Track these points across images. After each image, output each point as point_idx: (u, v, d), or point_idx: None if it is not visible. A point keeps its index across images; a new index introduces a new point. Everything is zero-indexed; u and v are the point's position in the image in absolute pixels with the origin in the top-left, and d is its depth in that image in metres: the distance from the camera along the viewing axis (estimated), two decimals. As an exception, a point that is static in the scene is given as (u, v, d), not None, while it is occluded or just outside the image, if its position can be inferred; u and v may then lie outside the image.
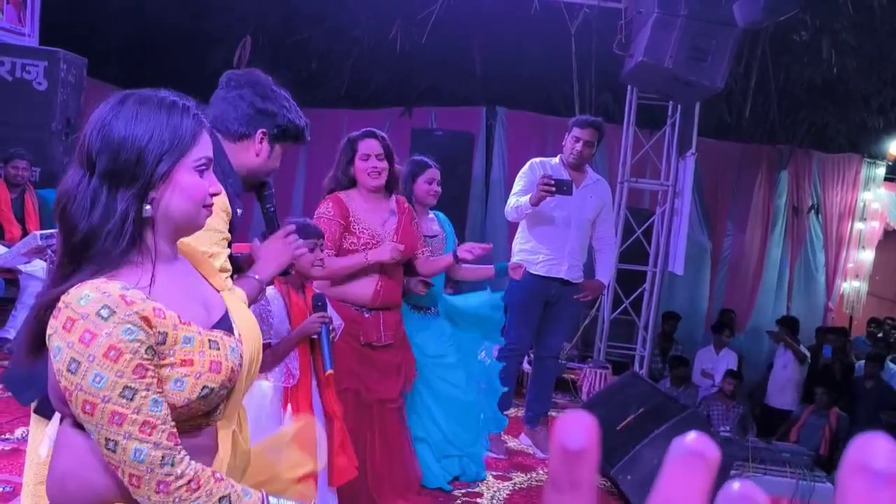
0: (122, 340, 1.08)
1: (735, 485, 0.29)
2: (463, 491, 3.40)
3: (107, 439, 1.08)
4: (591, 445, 0.31)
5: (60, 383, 1.10)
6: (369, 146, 2.86)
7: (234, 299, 1.34)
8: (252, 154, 1.87)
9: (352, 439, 2.57)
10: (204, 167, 1.23)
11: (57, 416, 1.30)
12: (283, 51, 8.34)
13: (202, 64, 8.07)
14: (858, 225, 8.31)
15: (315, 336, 2.41)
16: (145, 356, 1.10)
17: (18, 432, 3.37)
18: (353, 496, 2.69)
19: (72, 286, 1.11)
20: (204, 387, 1.16)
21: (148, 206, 1.18)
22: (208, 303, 1.27)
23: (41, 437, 1.63)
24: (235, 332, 1.26)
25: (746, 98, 8.06)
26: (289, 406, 2.38)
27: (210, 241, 1.63)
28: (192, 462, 1.13)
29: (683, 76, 4.88)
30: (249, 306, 1.52)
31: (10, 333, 4.50)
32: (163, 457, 1.09)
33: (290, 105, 1.93)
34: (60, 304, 1.10)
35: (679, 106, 6.03)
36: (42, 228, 4.75)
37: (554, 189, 3.53)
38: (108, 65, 7.55)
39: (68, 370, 1.07)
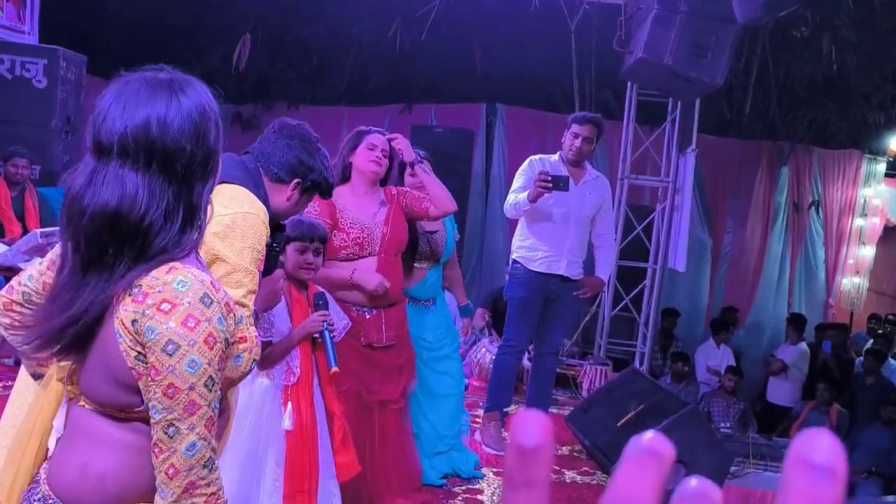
0: (217, 329, 1.11)
1: (692, 482, 0.30)
2: (463, 488, 3.41)
3: (170, 423, 1.09)
4: (546, 444, 0.31)
5: (136, 361, 1.09)
6: (376, 138, 2.89)
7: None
8: (283, 198, 1.99)
9: (353, 440, 2.57)
10: None
11: (62, 409, 1.27)
12: (283, 48, 8.34)
13: (202, 61, 8.06)
14: (859, 221, 8.31)
15: (317, 335, 2.41)
16: (224, 347, 1.14)
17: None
18: (354, 495, 2.69)
19: (146, 272, 1.09)
20: (253, 360, 1.23)
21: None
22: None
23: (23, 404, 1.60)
24: None
25: (747, 94, 8.06)
26: (289, 404, 2.38)
27: (251, 259, 1.72)
28: (219, 475, 1.15)
29: (683, 73, 4.88)
30: None
31: (11, 331, 4.50)
32: (209, 459, 1.12)
33: (327, 164, 2.09)
34: (146, 289, 1.08)
35: (679, 102, 6.02)
36: (42, 226, 4.75)
37: (551, 185, 3.52)
38: (107, 62, 7.54)
39: (164, 351, 1.07)
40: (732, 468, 3.86)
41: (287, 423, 2.35)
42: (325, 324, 2.37)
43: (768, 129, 8.30)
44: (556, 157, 4.00)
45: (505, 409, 4.12)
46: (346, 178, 2.90)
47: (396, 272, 2.94)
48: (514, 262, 4.01)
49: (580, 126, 3.89)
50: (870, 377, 6.51)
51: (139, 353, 1.09)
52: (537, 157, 4.02)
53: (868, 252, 8.39)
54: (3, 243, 4.59)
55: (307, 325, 2.39)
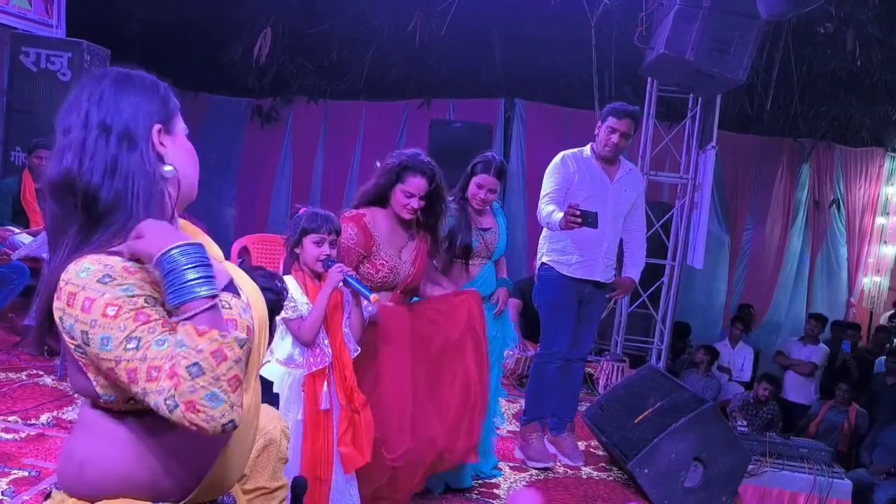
0: (118, 297, 1.08)
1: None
2: (480, 482, 3.43)
3: (146, 391, 1.06)
4: None
5: (77, 352, 1.12)
6: (416, 185, 2.75)
7: (236, 270, 1.36)
8: None
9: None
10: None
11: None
12: (304, 41, 8.38)
13: (223, 55, 8.13)
14: (880, 219, 8.22)
15: (341, 285, 2.46)
16: (144, 304, 1.09)
17: (44, 418, 3.43)
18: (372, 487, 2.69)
19: (70, 262, 1.13)
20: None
21: (169, 167, 1.23)
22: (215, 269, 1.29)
23: None
24: (243, 297, 1.26)
25: (768, 90, 7.99)
26: (325, 384, 2.45)
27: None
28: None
29: (705, 68, 4.84)
30: None
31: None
32: (192, 364, 1.04)
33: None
34: (61, 283, 1.11)
35: (700, 98, 5.98)
36: (66, 218, 4.81)
37: (580, 221, 3.23)
38: (130, 56, 7.62)
39: (84, 343, 1.08)
40: (749, 467, 3.84)
41: (324, 403, 2.44)
42: (342, 273, 2.43)
43: (790, 126, 8.22)
44: (587, 150, 3.74)
45: (545, 420, 3.88)
46: (382, 199, 2.80)
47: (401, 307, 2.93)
48: (545, 265, 3.72)
49: (618, 120, 3.61)
50: (891, 377, 6.45)
51: (76, 345, 1.11)
52: (570, 153, 3.73)
53: (889, 251, 8.30)
54: (28, 234, 4.66)
55: (328, 281, 2.44)
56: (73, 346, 1.11)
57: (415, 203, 2.75)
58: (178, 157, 1.26)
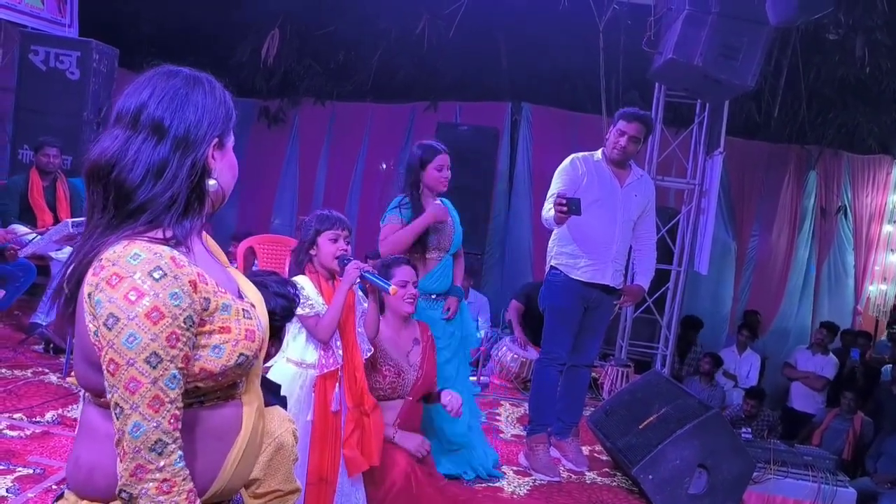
0: (166, 304, 1.08)
1: None
2: (483, 486, 3.42)
3: (116, 403, 1.07)
4: None
5: (95, 337, 1.09)
6: (409, 273, 2.86)
7: (240, 276, 1.35)
8: None
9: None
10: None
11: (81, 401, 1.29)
12: (311, 43, 8.39)
13: (231, 56, 8.14)
14: (888, 227, 8.19)
15: (358, 281, 2.48)
16: (182, 325, 1.09)
17: (49, 415, 3.44)
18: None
19: (111, 243, 1.11)
20: (241, 354, 1.17)
21: (213, 181, 1.22)
22: (226, 274, 1.29)
23: None
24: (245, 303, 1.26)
25: (776, 97, 7.96)
26: (336, 386, 2.45)
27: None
28: (179, 463, 1.10)
29: (713, 74, 4.83)
30: None
31: (41, 319, 4.59)
32: (156, 441, 1.07)
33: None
34: (104, 262, 1.09)
35: (707, 104, 5.97)
36: (73, 216, 4.83)
37: (566, 210, 3.27)
38: (138, 55, 7.65)
39: (105, 325, 1.06)
40: (754, 474, 3.82)
41: (334, 404, 2.44)
42: (359, 269, 2.45)
43: (797, 133, 8.19)
44: (598, 153, 3.73)
45: (550, 429, 3.86)
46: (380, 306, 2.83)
47: (417, 414, 2.97)
48: (553, 268, 3.71)
49: (627, 124, 3.60)
50: (896, 386, 6.42)
51: (97, 327, 1.09)
52: (580, 155, 3.72)
53: (896, 259, 8.27)
54: (36, 232, 4.67)
55: (346, 278, 2.45)
56: (92, 329, 1.10)
57: (411, 289, 2.86)
58: (222, 170, 1.25)
